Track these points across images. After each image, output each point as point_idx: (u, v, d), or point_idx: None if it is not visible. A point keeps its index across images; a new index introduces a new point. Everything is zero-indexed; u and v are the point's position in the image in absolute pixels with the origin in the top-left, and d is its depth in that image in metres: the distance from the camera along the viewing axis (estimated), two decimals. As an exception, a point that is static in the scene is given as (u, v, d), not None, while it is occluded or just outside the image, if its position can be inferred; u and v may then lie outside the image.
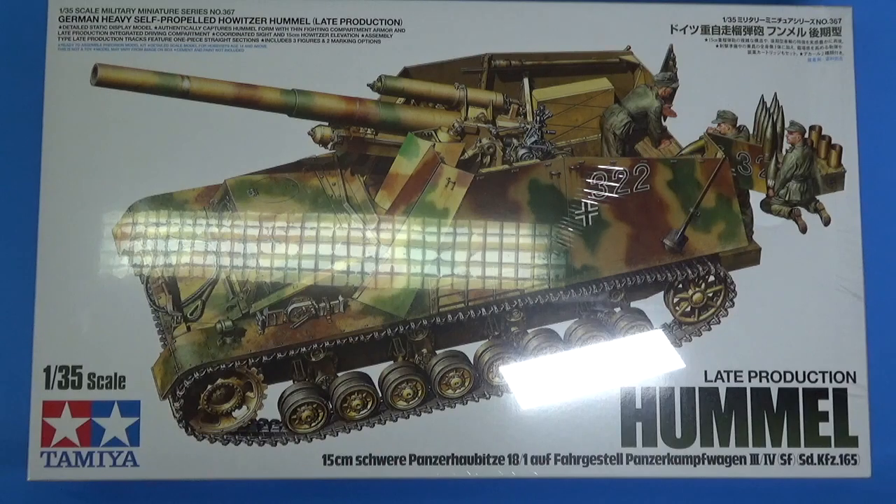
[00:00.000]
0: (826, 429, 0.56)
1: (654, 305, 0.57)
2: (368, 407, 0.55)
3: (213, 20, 0.57)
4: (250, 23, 0.57)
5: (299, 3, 0.57)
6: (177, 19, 0.57)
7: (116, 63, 0.56)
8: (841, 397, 0.56)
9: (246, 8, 0.57)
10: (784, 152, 0.57)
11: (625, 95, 0.58)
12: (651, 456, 0.55)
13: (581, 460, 0.54)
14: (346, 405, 0.55)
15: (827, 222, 0.57)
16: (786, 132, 0.57)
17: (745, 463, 0.55)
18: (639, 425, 0.54)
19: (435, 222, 0.53)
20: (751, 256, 0.57)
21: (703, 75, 0.58)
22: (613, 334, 0.56)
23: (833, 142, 0.57)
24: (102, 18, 0.57)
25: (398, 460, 0.55)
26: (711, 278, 0.56)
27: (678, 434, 0.55)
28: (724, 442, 0.56)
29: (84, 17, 0.56)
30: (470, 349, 0.57)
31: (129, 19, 0.57)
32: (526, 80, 0.58)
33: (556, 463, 0.54)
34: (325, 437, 0.55)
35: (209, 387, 0.55)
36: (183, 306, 0.55)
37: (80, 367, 0.54)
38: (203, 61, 0.56)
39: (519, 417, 0.55)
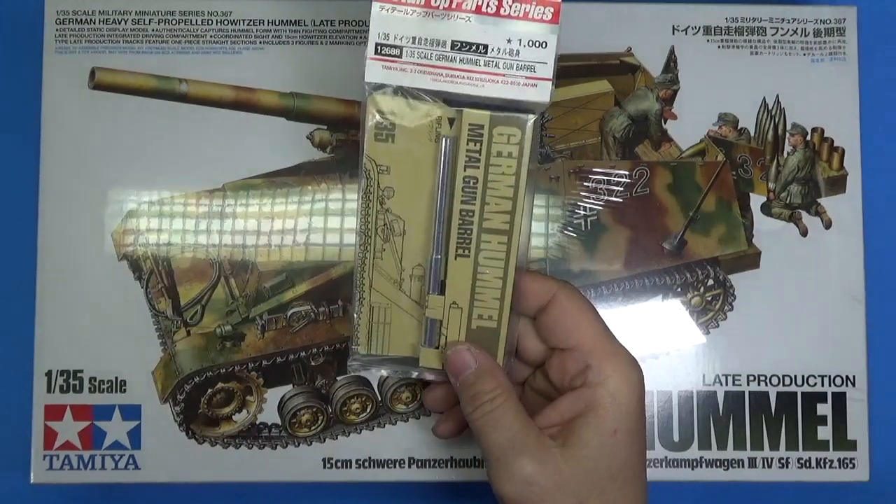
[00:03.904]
0: (825, 433, 0.56)
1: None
2: (368, 410, 0.56)
3: (210, 22, 0.56)
4: (248, 25, 0.56)
5: (297, 5, 0.57)
6: (174, 21, 0.56)
7: (114, 66, 0.56)
8: (840, 401, 0.56)
9: (244, 10, 0.56)
10: (785, 155, 0.57)
11: (625, 98, 0.57)
12: (649, 459, 0.55)
13: (579, 464, 0.54)
14: (345, 409, 0.56)
15: (828, 225, 0.57)
16: (787, 135, 0.57)
17: (743, 466, 0.56)
18: (637, 429, 0.54)
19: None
20: (750, 260, 0.57)
21: (704, 77, 0.57)
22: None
23: (835, 144, 0.57)
24: (99, 21, 0.56)
25: (398, 463, 0.55)
26: (710, 282, 0.56)
27: (676, 437, 0.56)
28: (722, 445, 0.56)
29: (81, 20, 0.56)
30: (469, 352, 0.57)
31: (126, 21, 0.56)
32: (525, 83, 0.58)
33: (554, 467, 0.54)
34: (324, 440, 0.55)
35: (209, 391, 0.55)
36: (182, 311, 0.55)
37: (81, 371, 0.55)
38: (201, 64, 0.56)
39: (517, 422, 0.55)
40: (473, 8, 0.42)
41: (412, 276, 0.46)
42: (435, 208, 0.44)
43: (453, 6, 0.42)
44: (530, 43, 0.42)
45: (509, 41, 0.42)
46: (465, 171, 0.43)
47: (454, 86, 0.42)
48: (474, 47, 0.42)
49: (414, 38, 0.42)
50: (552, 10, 0.42)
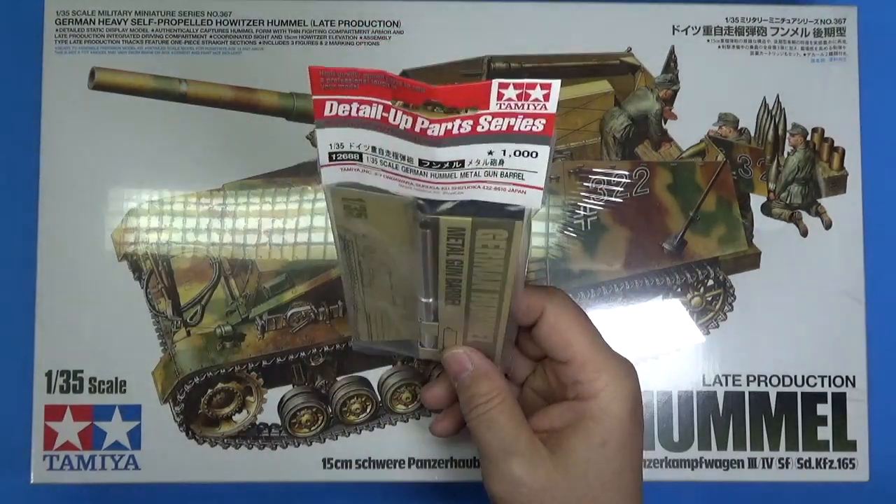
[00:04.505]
0: (824, 433, 0.56)
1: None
2: (368, 411, 0.56)
3: (210, 22, 0.56)
4: (248, 25, 0.56)
5: (297, 5, 0.57)
6: (174, 21, 0.56)
7: (114, 66, 0.56)
8: (840, 402, 0.56)
9: (243, 10, 0.56)
10: (786, 155, 0.57)
11: (625, 98, 0.57)
12: (648, 459, 0.55)
13: (579, 464, 0.54)
14: (345, 409, 0.56)
15: (828, 225, 0.57)
16: (787, 135, 0.57)
17: (743, 466, 0.56)
18: (637, 429, 0.55)
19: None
20: (751, 260, 0.56)
21: (704, 77, 0.57)
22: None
23: (836, 144, 0.57)
24: (99, 21, 0.56)
25: (398, 464, 0.55)
26: (710, 282, 0.56)
27: (676, 437, 0.56)
28: (722, 445, 0.56)
29: (81, 20, 0.56)
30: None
31: (126, 21, 0.56)
32: (525, 83, 0.58)
33: (554, 467, 0.54)
34: (324, 440, 0.55)
35: (209, 391, 0.55)
36: (182, 311, 0.55)
37: (81, 371, 0.55)
38: (200, 64, 0.56)
39: (517, 422, 0.55)
40: (442, 133, 0.33)
41: (404, 298, 0.44)
42: (419, 279, 0.40)
43: (417, 130, 0.33)
44: (517, 153, 0.34)
45: (490, 153, 0.34)
46: (447, 255, 0.38)
47: (427, 193, 0.35)
48: (447, 164, 0.34)
49: (374, 148, 0.35)
50: (544, 121, 0.33)
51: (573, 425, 0.44)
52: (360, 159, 0.35)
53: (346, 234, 0.40)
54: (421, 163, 0.34)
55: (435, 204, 0.36)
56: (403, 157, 0.34)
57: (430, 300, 0.42)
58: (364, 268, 0.42)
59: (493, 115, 0.33)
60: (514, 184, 0.35)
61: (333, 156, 0.36)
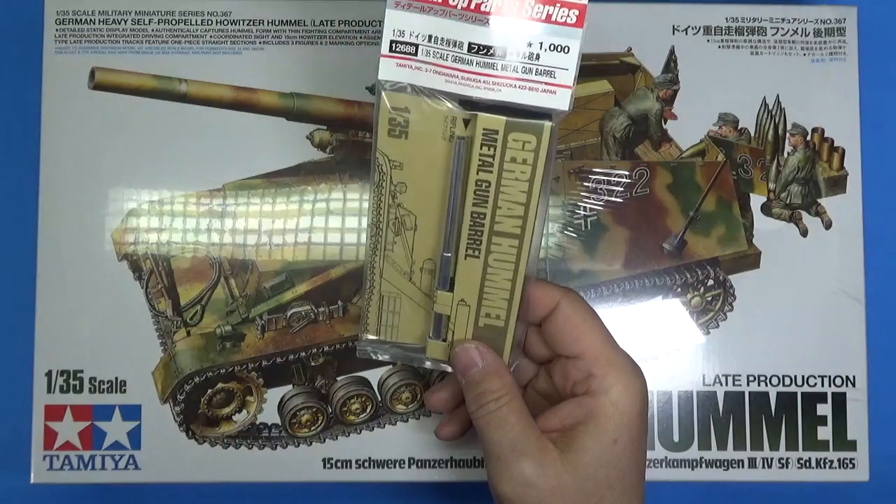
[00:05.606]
0: (824, 433, 0.56)
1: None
2: (368, 411, 0.56)
3: (210, 22, 0.56)
4: (248, 25, 0.56)
5: (297, 5, 0.57)
6: (174, 21, 0.56)
7: (114, 66, 0.56)
8: (840, 401, 0.56)
9: (243, 10, 0.56)
10: (786, 155, 0.57)
11: (625, 98, 0.57)
12: (649, 459, 0.55)
13: (579, 464, 0.54)
14: (345, 409, 0.56)
15: (828, 225, 0.57)
16: (787, 135, 0.57)
17: (743, 466, 0.56)
18: (637, 429, 0.54)
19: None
20: (751, 260, 0.57)
21: (704, 77, 0.57)
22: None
23: (835, 144, 0.57)
24: (99, 21, 0.56)
25: (398, 464, 0.55)
26: (710, 282, 0.56)
27: (676, 437, 0.56)
28: (722, 445, 0.56)
29: (81, 20, 0.56)
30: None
31: (126, 21, 0.56)
32: (525, 83, 0.58)
33: (554, 467, 0.54)
34: (324, 440, 0.55)
35: (209, 391, 0.55)
36: (182, 311, 0.55)
37: (82, 371, 0.55)
38: (201, 64, 0.56)
39: (517, 422, 0.55)
40: (492, 9, 0.40)
41: (423, 269, 0.45)
42: (446, 208, 0.43)
43: (471, 7, 0.40)
44: (552, 47, 0.40)
45: (529, 45, 0.40)
46: (477, 174, 0.42)
47: (469, 89, 0.40)
48: (492, 50, 0.40)
49: (430, 37, 0.40)
50: (577, 12, 0.40)
51: (584, 423, 0.44)
52: (416, 53, 0.40)
53: (385, 161, 0.43)
54: (470, 48, 0.40)
55: (474, 103, 0.41)
56: (455, 44, 0.40)
57: (450, 254, 0.44)
58: (392, 215, 0.44)
59: (536, 1, 0.39)
60: (546, 83, 0.40)
61: (394, 45, 0.40)
